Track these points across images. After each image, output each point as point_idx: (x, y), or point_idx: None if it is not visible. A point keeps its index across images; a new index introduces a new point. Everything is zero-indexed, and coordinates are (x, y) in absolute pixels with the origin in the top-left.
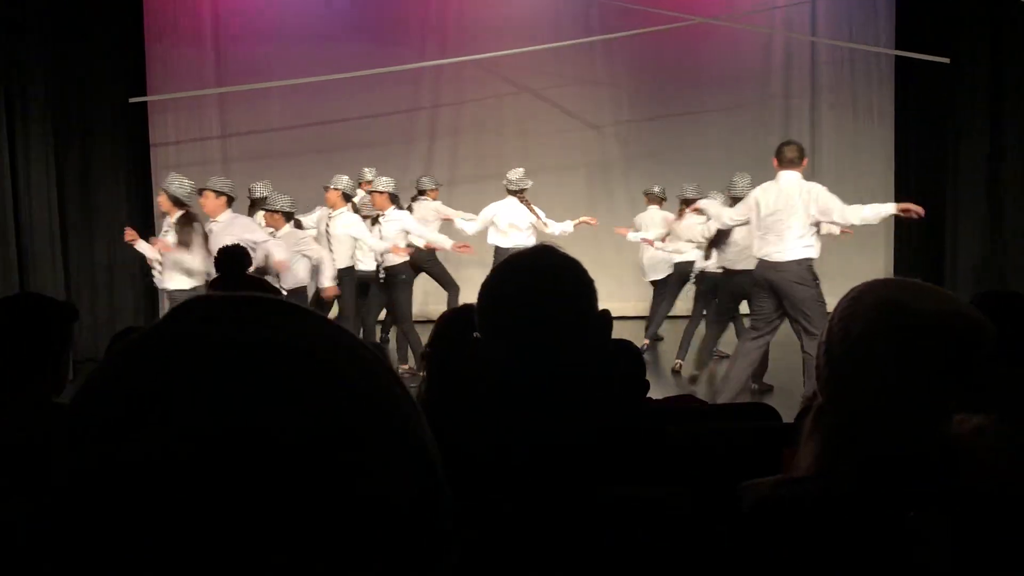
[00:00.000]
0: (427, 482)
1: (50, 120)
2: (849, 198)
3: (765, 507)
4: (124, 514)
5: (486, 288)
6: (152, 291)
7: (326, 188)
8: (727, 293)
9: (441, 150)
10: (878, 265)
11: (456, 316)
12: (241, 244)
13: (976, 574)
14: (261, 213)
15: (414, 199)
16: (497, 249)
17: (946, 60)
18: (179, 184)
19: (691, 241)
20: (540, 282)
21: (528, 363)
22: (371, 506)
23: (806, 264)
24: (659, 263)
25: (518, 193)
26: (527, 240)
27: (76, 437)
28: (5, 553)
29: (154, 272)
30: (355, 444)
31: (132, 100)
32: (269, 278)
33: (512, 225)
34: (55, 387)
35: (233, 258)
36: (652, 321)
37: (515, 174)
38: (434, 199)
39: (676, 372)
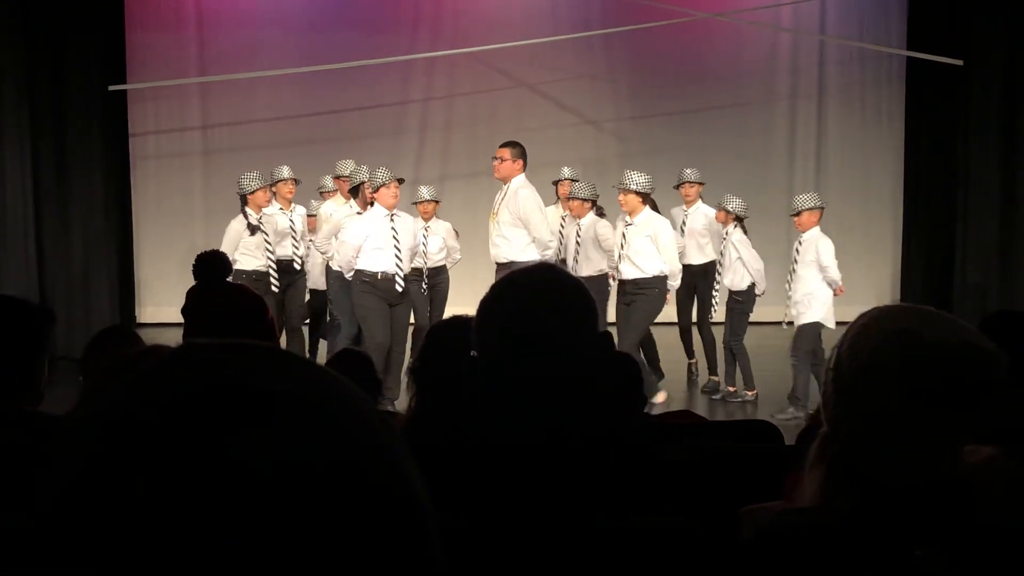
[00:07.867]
0: (413, 516)
1: (25, 107)
2: (855, 202)
3: (767, 537)
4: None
5: (486, 306)
6: (127, 284)
7: None
8: None
9: (432, 143)
10: (886, 270)
11: (443, 331)
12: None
13: None
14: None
15: None
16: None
17: (959, 62)
18: None
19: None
20: (542, 301)
21: (525, 380)
22: (361, 538)
23: None
24: None
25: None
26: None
27: (77, 470)
28: None
29: None
30: (344, 484)
31: (112, 88)
32: None
33: None
34: (28, 395)
35: (211, 265)
36: None
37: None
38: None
39: None
